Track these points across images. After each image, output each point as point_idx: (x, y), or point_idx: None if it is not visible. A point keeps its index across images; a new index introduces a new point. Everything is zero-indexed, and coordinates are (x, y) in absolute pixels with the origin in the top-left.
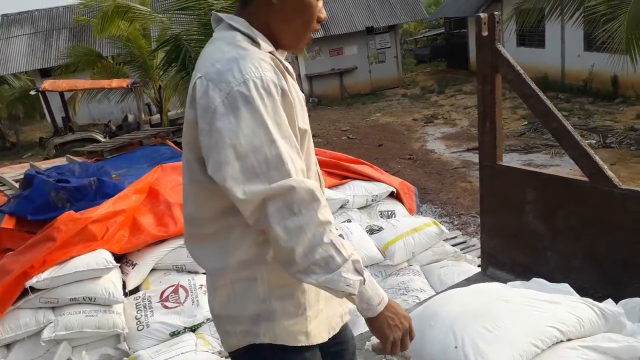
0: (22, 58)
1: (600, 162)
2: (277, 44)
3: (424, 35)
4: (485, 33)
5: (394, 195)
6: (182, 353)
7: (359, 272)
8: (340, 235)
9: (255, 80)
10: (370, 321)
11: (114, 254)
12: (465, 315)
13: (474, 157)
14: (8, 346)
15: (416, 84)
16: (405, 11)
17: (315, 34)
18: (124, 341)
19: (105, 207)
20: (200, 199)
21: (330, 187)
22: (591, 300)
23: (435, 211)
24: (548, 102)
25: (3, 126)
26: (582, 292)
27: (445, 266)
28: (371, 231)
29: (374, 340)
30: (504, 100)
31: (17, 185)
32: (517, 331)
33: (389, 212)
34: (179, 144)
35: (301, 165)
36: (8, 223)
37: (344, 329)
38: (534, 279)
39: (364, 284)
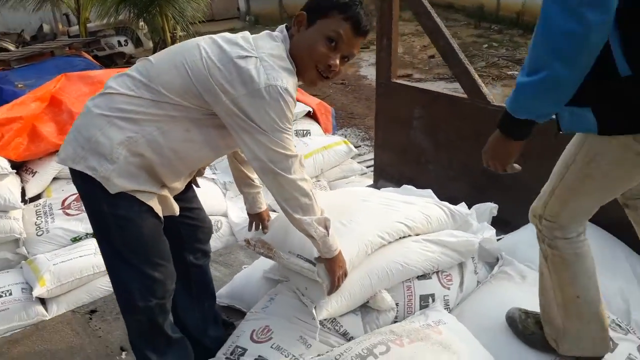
0: None
1: (479, 81)
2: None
3: None
4: None
5: (311, 115)
6: (80, 256)
7: (326, 228)
8: None
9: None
10: (327, 261)
11: (10, 162)
12: (327, 212)
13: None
14: None
15: None
16: None
17: None
18: (22, 246)
19: (0, 112)
20: None
21: None
22: (443, 202)
23: (359, 135)
24: (439, 20)
25: None
26: (454, 200)
27: (350, 182)
28: None
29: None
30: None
31: None
32: (368, 226)
33: (304, 131)
34: (97, 58)
35: None
36: None
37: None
38: (404, 186)
39: (327, 236)
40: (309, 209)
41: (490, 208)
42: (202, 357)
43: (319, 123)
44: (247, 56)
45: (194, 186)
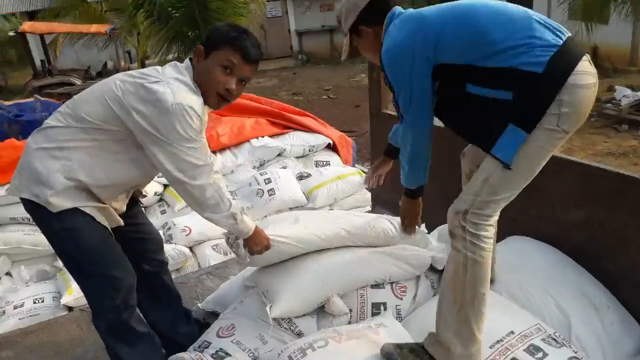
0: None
1: None
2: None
3: None
4: None
5: (332, 147)
6: None
7: (234, 218)
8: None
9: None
10: (245, 240)
11: None
12: (285, 218)
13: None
14: None
15: None
16: None
17: None
18: (58, 259)
19: None
20: None
21: (270, 136)
22: (395, 217)
23: None
24: None
25: None
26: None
27: (363, 211)
28: (300, 177)
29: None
30: None
31: None
32: (311, 227)
33: (324, 162)
34: None
35: None
36: None
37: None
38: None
39: (237, 224)
40: (216, 208)
41: None
42: (176, 352)
43: (339, 155)
44: (156, 81)
45: (139, 203)
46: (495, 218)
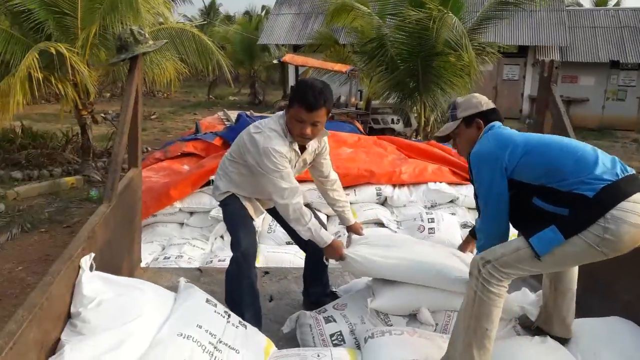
0: (284, 33)
1: None
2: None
3: None
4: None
5: None
6: (284, 252)
7: (311, 231)
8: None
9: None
10: (323, 249)
11: None
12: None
13: None
14: (191, 214)
15: None
16: None
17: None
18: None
19: None
20: None
21: (448, 183)
22: None
23: None
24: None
25: (259, 86)
26: None
27: None
28: (464, 225)
29: None
30: None
31: (233, 120)
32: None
33: None
34: (372, 129)
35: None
36: (217, 141)
37: None
38: None
39: (313, 235)
40: (297, 222)
41: None
42: (305, 304)
43: None
44: (257, 132)
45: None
46: (509, 282)
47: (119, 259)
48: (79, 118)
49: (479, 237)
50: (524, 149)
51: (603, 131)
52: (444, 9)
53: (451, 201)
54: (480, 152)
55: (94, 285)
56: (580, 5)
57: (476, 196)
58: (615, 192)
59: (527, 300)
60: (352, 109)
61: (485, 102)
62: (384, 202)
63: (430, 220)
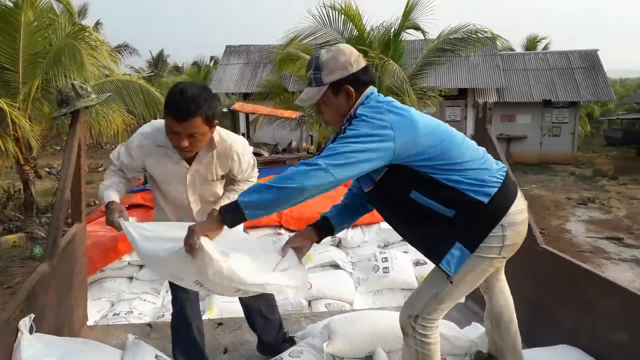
0: (233, 82)
1: (531, 223)
2: None
3: (618, 117)
4: None
5: None
6: None
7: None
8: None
9: None
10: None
11: None
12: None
13: (608, 246)
14: (140, 267)
15: (591, 165)
16: (590, 90)
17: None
18: None
19: None
20: None
21: None
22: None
23: None
24: None
25: None
26: None
27: None
28: (417, 263)
29: None
30: None
31: None
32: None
33: None
34: None
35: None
36: None
37: None
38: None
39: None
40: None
41: None
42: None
43: None
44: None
45: None
46: (440, 318)
47: (63, 319)
48: (21, 173)
49: (273, 184)
50: (425, 129)
51: (542, 166)
52: (385, 57)
53: (402, 239)
54: (390, 102)
55: (35, 348)
56: (512, 49)
57: (332, 141)
58: (506, 197)
59: (477, 333)
60: (304, 154)
61: (355, 59)
62: (338, 244)
63: (384, 259)
